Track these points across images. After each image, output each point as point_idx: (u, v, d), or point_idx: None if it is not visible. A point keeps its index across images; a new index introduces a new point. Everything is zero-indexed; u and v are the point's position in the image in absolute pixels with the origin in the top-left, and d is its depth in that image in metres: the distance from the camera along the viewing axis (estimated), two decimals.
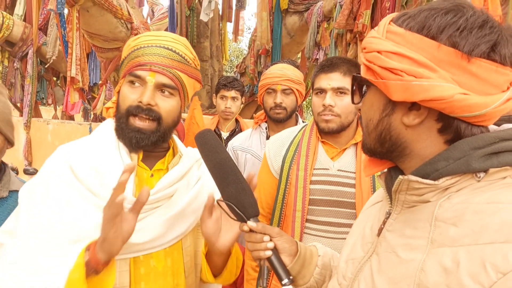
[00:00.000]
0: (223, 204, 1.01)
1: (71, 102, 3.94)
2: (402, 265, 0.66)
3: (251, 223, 0.95)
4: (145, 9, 9.06)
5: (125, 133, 1.16)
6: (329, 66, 1.59)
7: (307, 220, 1.58)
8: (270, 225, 1.03)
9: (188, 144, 2.95)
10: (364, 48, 0.73)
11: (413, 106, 0.69)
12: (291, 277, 0.93)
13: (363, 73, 0.74)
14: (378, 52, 0.69)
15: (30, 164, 5.61)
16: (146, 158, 1.22)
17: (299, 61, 6.73)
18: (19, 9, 6.08)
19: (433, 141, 0.69)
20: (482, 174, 0.64)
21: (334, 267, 1.02)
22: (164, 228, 1.14)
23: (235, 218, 1.00)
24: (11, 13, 5.76)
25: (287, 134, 1.79)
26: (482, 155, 0.64)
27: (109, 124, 1.23)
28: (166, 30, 7.47)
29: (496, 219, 0.58)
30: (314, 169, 1.61)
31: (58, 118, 6.63)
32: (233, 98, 2.70)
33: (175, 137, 1.36)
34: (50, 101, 6.34)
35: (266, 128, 2.31)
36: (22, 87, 5.59)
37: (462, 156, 0.65)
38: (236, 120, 2.82)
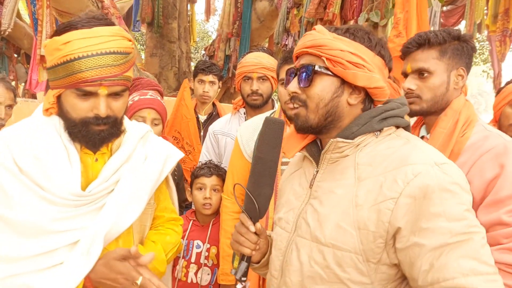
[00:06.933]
0: (239, 188, 1.08)
1: (39, 80, 3.88)
2: (340, 197, 0.98)
3: (259, 226, 1.09)
4: None
5: (86, 138, 1.16)
6: (292, 57, 1.74)
7: None
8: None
9: (175, 124, 2.96)
10: (323, 46, 0.99)
11: (354, 90, 1.01)
12: (246, 280, 1.10)
13: (327, 64, 0.99)
14: (342, 50, 0.98)
15: None
16: None
17: (266, 45, 6.84)
18: None
19: (355, 115, 1.03)
20: (378, 133, 1.01)
21: None
22: (115, 219, 1.17)
23: (240, 205, 1.11)
24: None
25: (258, 121, 1.92)
26: (377, 120, 1.01)
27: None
28: (130, 8, 7.30)
29: (394, 156, 0.95)
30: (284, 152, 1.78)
31: (20, 96, 6.41)
32: (211, 82, 2.81)
33: None
34: (11, 77, 6.11)
35: (244, 113, 2.44)
36: None
37: (366, 122, 1.01)
38: (213, 104, 2.94)
